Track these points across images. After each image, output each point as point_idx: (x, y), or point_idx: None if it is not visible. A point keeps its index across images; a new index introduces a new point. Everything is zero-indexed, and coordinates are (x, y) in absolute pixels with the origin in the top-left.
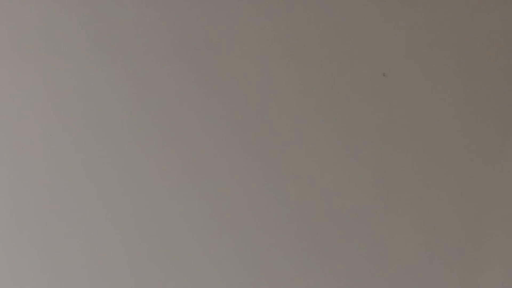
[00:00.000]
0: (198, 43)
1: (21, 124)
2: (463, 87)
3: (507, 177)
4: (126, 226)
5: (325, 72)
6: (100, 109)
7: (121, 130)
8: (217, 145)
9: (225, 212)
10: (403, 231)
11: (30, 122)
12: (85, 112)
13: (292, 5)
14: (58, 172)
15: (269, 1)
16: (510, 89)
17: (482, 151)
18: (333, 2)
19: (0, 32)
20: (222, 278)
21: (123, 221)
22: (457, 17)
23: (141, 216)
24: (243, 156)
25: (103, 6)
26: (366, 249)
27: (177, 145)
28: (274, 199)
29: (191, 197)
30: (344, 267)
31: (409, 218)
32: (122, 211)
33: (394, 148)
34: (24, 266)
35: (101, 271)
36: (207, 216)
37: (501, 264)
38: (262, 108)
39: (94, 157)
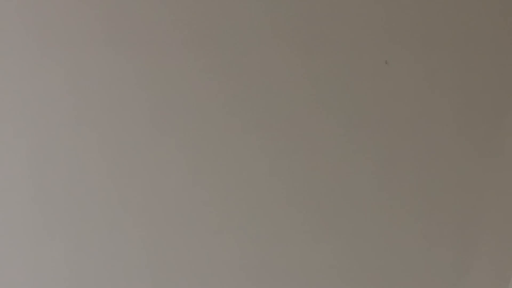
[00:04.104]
0: (209, 36)
1: (42, 112)
2: (465, 75)
3: (504, 166)
4: (139, 217)
5: (327, 59)
6: (114, 100)
7: (135, 121)
8: (226, 134)
9: (235, 201)
10: (403, 216)
11: (51, 111)
12: (100, 104)
13: None
14: (73, 162)
15: None
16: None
17: (483, 142)
18: None
19: (21, 26)
20: (233, 262)
21: (136, 212)
22: (461, 5)
23: (155, 206)
24: (252, 142)
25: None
26: (367, 236)
27: (188, 136)
28: (281, 186)
29: (203, 182)
30: (346, 250)
31: (409, 205)
32: (135, 202)
33: (396, 136)
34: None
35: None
36: (218, 200)
37: (495, 254)
38: (265, 97)
39: (109, 148)
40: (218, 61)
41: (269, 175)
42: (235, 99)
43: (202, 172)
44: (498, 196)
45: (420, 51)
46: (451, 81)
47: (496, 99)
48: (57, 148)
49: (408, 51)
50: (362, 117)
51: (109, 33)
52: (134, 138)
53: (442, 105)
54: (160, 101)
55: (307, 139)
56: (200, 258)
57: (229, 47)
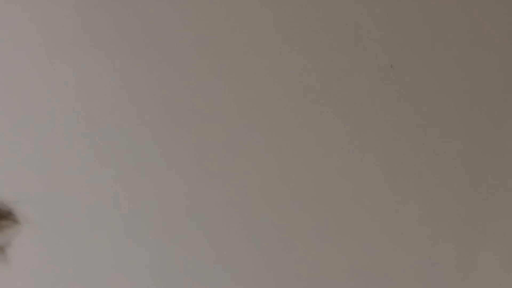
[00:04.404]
0: (217, 40)
1: (51, 116)
2: (470, 79)
3: (509, 165)
4: (148, 220)
5: (333, 64)
6: (124, 104)
7: (145, 125)
8: (235, 136)
9: (244, 203)
10: (410, 216)
11: (60, 115)
12: (109, 108)
13: None
14: (83, 165)
15: None
16: None
17: (487, 143)
18: None
19: (31, 30)
20: (242, 264)
21: (145, 215)
22: (465, 9)
23: (165, 209)
24: (261, 145)
25: (126, 3)
26: (374, 236)
27: (198, 139)
28: (290, 188)
29: (213, 184)
30: (353, 250)
31: (416, 205)
32: (144, 206)
33: (402, 139)
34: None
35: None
36: (227, 203)
37: (501, 253)
38: (273, 100)
39: (118, 152)
40: (226, 64)
41: (278, 178)
42: (243, 102)
43: (212, 174)
44: (503, 195)
45: (424, 55)
46: (455, 84)
47: (502, 101)
48: (66, 152)
49: (413, 55)
50: (368, 120)
51: (117, 37)
52: (144, 142)
53: (447, 108)
54: (170, 105)
55: (314, 142)
56: (209, 260)
57: (237, 51)
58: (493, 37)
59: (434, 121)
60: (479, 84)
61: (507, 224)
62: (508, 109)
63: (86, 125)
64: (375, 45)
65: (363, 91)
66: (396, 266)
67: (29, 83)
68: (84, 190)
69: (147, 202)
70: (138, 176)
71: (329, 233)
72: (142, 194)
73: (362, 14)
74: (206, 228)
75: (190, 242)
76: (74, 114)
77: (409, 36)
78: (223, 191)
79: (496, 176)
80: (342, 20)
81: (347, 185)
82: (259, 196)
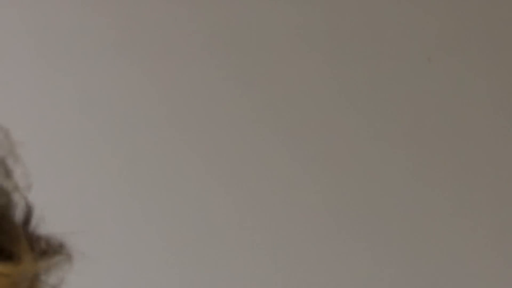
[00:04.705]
0: (229, 42)
1: (53, 123)
2: (508, 72)
3: None
4: (160, 226)
5: (370, 57)
6: (130, 110)
7: (151, 131)
8: (254, 135)
9: (265, 202)
10: (440, 218)
11: (62, 122)
12: (115, 114)
13: None
14: (87, 172)
15: None
16: None
17: None
18: None
19: (31, 34)
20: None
21: (157, 221)
22: (501, 3)
23: (180, 217)
24: (283, 144)
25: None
26: (402, 237)
27: (212, 138)
28: (311, 186)
29: (229, 188)
30: (376, 254)
31: (446, 203)
32: (157, 212)
33: (437, 133)
34: None
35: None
36: (247, 203)
37: None
38: (301, 95)
39: (126, 153)
40: (241, 64)
41: (297, 181)
42: (261, 102)
43: (227, 178)
44: None
45: (463, 48)
46: (494, 77)
47: None
48: (71, 158)
49: (451, 49)
50: (404, 115)
51: (121, 38)
52: (151, 148)
53: (485, 102)
54: (180, 110)
55: (345, 139)
56: (226, 262)
57: (254, 51)
58: None
59: (471, 115)
60: None
61: None
62: None
63: (88, 131)
64: (413, 39)
65: (400, 84)
66: (421, 270)
67: (29, 89)
68: (84, 201)
69: (159, 210)
70: (146, 184)
71: (356, 238)
72: (153, 202)
73: (400, 6)
74: (221, 232)
75: (205, 245)
76: (76, 120)
77: (447, 29)
78: (240, 197)
79: None
80: (380, 13)
81: (374, 188)
82: (275, 200)
